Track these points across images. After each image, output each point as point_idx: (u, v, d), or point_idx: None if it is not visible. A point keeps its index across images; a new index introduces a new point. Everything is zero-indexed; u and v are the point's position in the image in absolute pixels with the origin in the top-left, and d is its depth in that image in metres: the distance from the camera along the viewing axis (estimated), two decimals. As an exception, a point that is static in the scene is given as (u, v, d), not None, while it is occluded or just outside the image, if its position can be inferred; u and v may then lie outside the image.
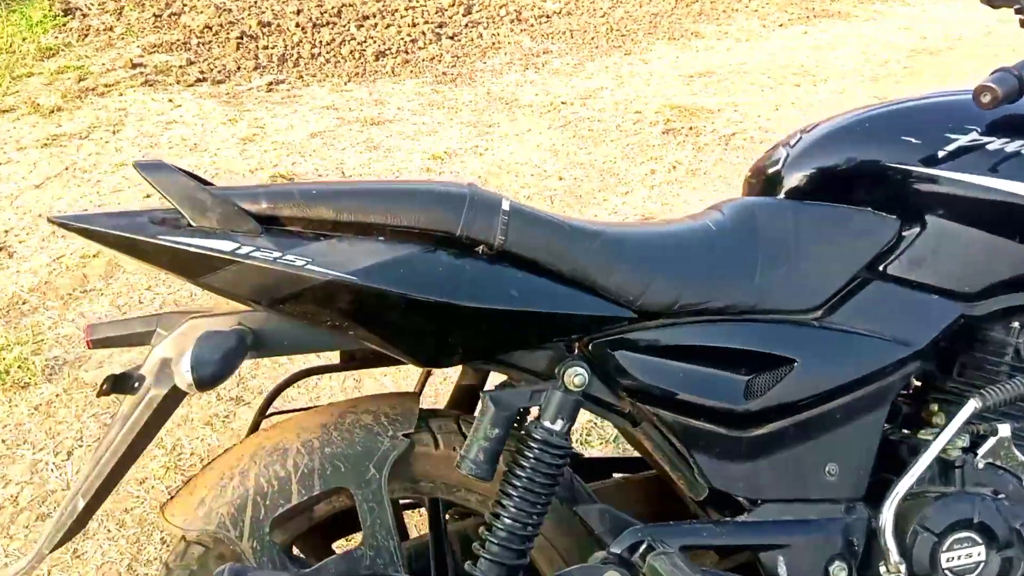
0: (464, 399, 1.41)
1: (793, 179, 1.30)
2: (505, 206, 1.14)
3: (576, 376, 1.13)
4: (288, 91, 4.74)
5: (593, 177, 3.92)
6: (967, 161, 1.20)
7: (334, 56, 5.22)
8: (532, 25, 6.02)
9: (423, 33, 5.65)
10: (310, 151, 4.05)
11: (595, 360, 1.17)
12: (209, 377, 1.02)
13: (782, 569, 1.18)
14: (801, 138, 1.33)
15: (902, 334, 1.20)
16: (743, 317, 1.19)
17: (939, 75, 5.18)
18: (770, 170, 1.33)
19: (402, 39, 5.55)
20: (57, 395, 2.47)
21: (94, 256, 3.07)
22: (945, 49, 5.78)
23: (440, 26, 5.81)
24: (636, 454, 1.50)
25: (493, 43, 5.66)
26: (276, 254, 1.06)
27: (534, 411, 1.17)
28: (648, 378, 1.17)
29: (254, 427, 1.32)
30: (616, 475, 1.52)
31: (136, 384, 1.11)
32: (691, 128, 4.39)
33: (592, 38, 5.88)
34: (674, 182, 3.85)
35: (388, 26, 5.71)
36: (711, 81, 5.11)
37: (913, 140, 1.23)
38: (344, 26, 5.61)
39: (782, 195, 1.30)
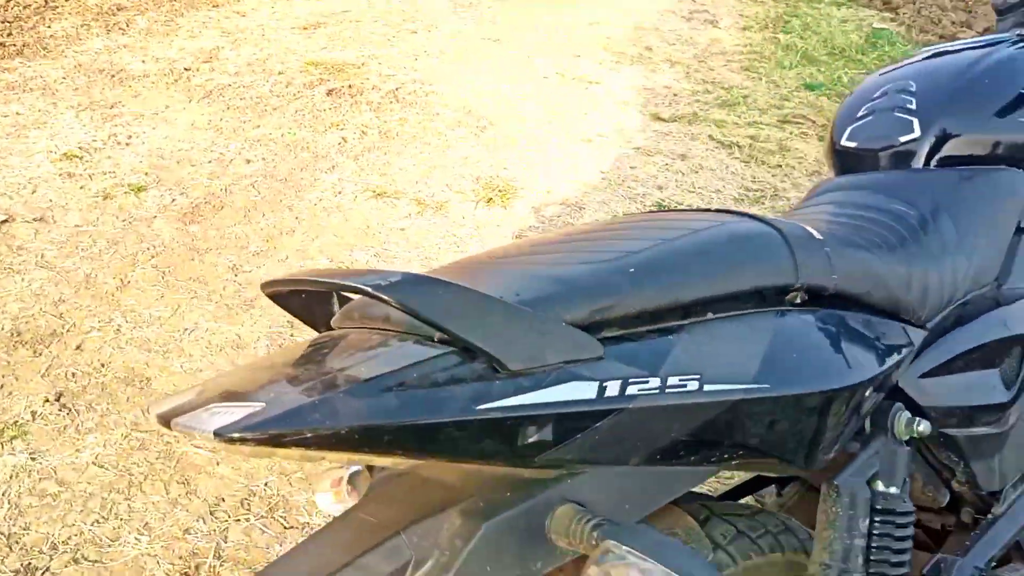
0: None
1: (930, 147, 1.26)
2: (814, 232, 0.92)
3: (919, 423, 0.97)
4: None
5: (284, 155, 3.40)
6: None
7: None
8: (78, -26, 4.88)
9: (-64, -9, 4.21)
10: None
11: (897, 397, 1.03)
12: None
13: None
14: (918, 104, 1.29)
15: None
16: (973, 303, 1.14)
17: (528, 12, 5.53)
18: (901, 138, 1.27)
19: (-92, -1, 4.07)
20: None
21: None
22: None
23: (-49, -20, 4.39)
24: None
25: (46, 1, 4.47)
26: (655, 382, 0.72)
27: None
28: (945, 398, 1.06)
29: None
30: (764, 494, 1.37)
31: None
32: (350, 86, 4.05)
33: (164, -12, 4.99)
34: (375, 148, 3.53)
35: None
36: (330, 32, 4.75)
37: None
38: None
39: (919, 164, 1.27)
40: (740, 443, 0.77)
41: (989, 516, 1.14)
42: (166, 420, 0.65)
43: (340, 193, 3.17)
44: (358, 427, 0.60)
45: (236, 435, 0.58)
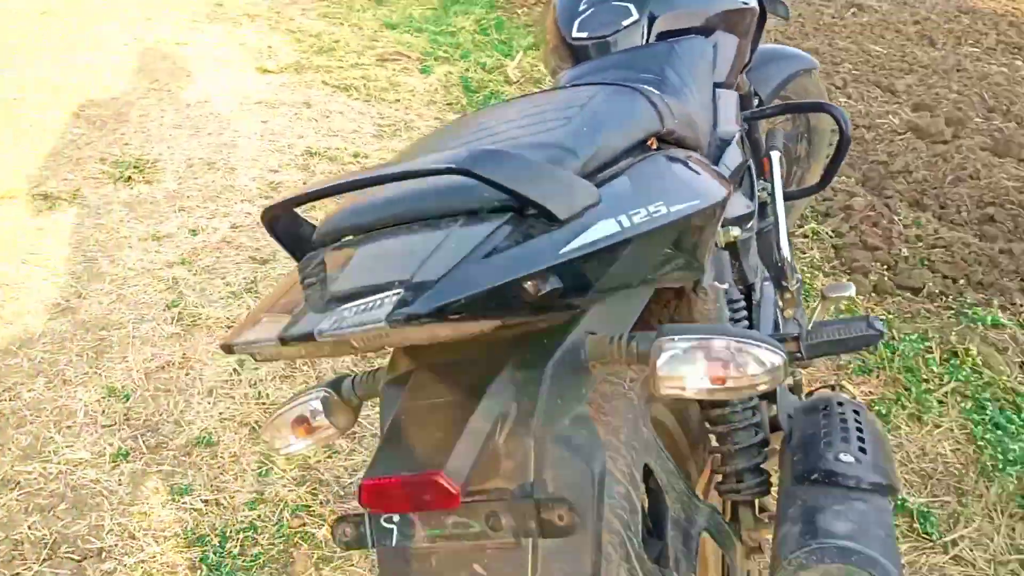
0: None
1: (646, 26, 1.53)
2: (652, 88, 1.14)
3: (732, 230, 1.24)
4: None
5: None
6: None
7: None
8: None
9: None
10: None
11: None
12: None
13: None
14: None
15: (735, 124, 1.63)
16: (711, 144, 1.46)
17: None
18: (624, 22, 1.52)
19: None
20: None
21: None
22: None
23: None
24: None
25: None
26: (644, 211, 0.89)
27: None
28: (740, 208, 1.35)
29: None
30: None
31: None
32: None
33: None
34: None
35: None
36: None
37: None
38: None
39: (641, 42, 1.53)
40: (685, 251, 0.95)
41: (755, 304, 1.49)
42: (304, 335, 0.64)
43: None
44: (497, 287, 0.67)
45: (409, 314, 0.61)
